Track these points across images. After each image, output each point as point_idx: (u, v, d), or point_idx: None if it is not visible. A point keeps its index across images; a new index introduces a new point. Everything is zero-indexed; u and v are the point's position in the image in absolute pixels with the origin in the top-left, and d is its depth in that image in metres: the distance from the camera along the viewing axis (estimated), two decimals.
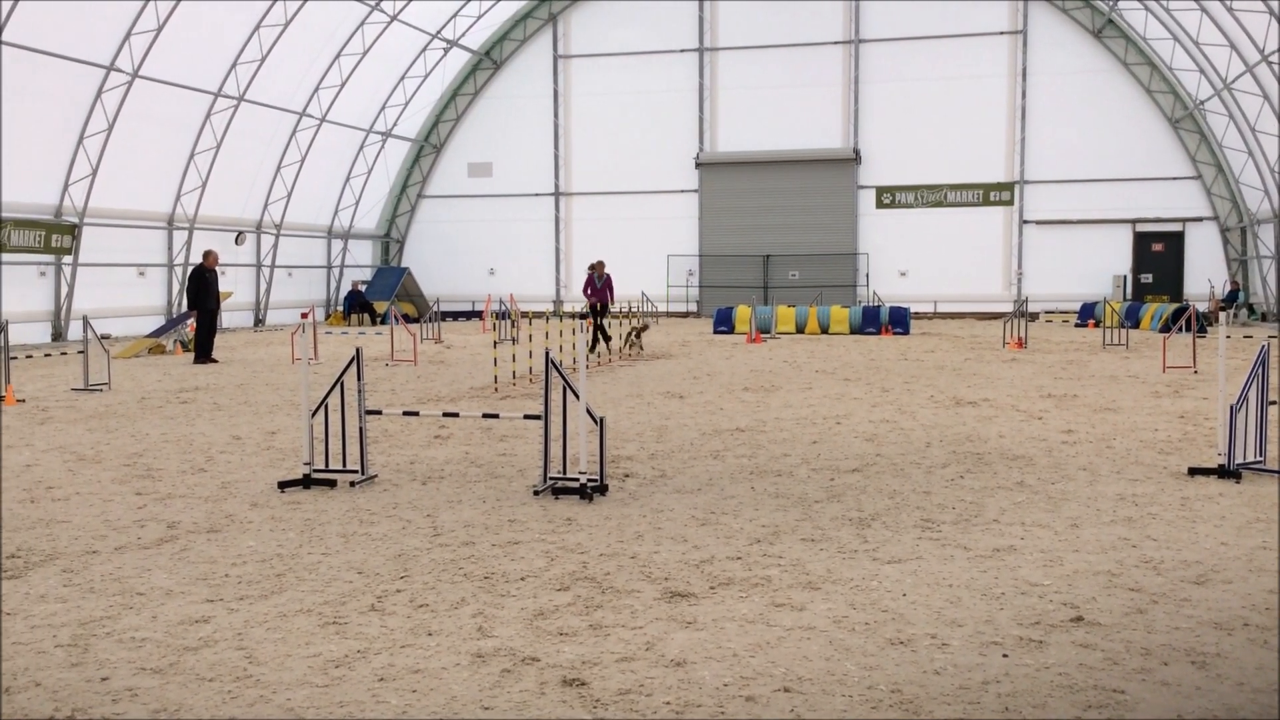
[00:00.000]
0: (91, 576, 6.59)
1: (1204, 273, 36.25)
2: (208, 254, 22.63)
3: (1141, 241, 37.02)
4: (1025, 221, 37.70)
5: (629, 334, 23.21)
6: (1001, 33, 37.29)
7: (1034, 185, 37.52)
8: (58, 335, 27.71)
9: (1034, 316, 34.76)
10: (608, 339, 23.24)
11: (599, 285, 23.77)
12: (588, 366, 9.02)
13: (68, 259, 27.61)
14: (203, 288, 21.77)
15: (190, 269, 24.14)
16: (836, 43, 38.38)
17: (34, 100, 25.53)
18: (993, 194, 37.74)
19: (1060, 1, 36.64)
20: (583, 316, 14.27)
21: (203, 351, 21.62)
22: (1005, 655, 5.14)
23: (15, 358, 16.83)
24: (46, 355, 20.01)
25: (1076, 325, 32.65)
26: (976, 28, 37.37)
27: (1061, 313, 35.98)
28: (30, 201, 26.53)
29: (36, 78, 25.16)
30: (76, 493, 9.08)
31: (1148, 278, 36.93)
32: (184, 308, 30.31)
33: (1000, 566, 6.63)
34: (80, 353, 18.34)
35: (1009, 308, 34.97)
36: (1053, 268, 37.34)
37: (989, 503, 8.40)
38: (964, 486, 9.03)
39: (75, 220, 27.52)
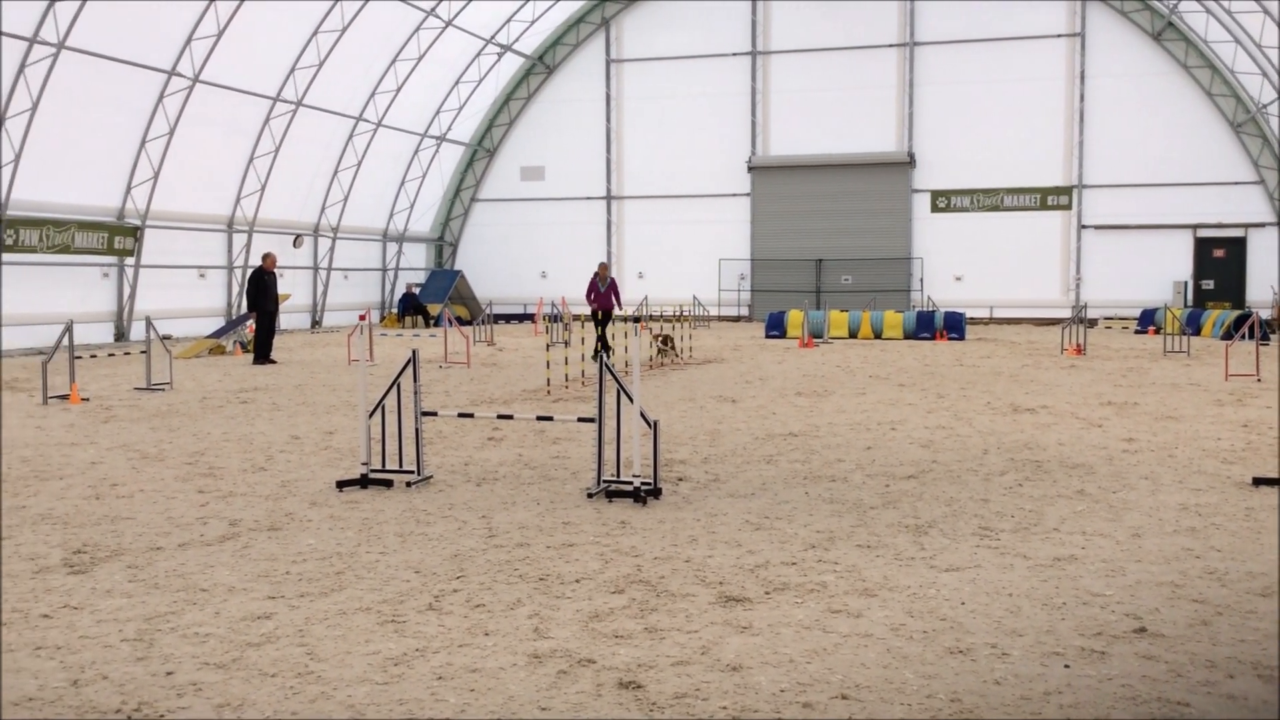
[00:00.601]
0: (156, 572, 6.71)
1: (1267, 279, 35.51)
2: (266, 256, 22.95)
3: (1202, 247, 36.37)
4: (1083, 226, 37.19)
5: (656, 343, 21.64)
6: (1059, 35, 36.83)
7: (1092, 189, 37.00)
8: (120, 335, 28.22)
9: (1092, 322, 34.28)
10: (609, 349, 21.99)
11: (602, 290, 22.47)
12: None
13: (130, 261, 28.11)
14: (261, 290, 22.10)
15: (250, 271, 24.46)
16: (891, 45, 38.12)
17: (98, 105, 26.03)
18: (1050, 198, 37.27)
19: (1119, 4, 36.13)
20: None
21: (262, 352, 21.92)
22: (1067, 666, 5.08)
23: (80, 357, 17.17)
24: (110, 355, 20.41)
25: (1136, 332, 32.15)
26: (1033, 30, 36.93)
27: (1120, 319, 35.45)
28: (94, 204, 27.06)
29: (100, 83, 25.65)
30: (140, 490, 9.25)
31: (1209, 284, 36.27)
32: (243, 309, 30.82)
33: (1061, 576, 6.55)
34: (143, 353, 18.67)
35: (1067, 313, 34.51)
36: (1111, 273, 36.78)
37: (1049, 511, 8.30)
38: (1023, 494, 8.93)
39: (138, 223, 28.02)
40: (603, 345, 21.86)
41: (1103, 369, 20.05)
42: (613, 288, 22.62)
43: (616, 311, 22.98)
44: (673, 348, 21.54)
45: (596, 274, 22.76)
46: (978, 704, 4.63)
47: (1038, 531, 7.65)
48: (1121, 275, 36.55)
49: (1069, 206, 37.16)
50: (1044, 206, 37.34)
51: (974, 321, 36.00)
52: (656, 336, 21.68)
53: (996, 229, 37.66)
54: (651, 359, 20.91)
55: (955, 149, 37.77)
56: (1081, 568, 6.72)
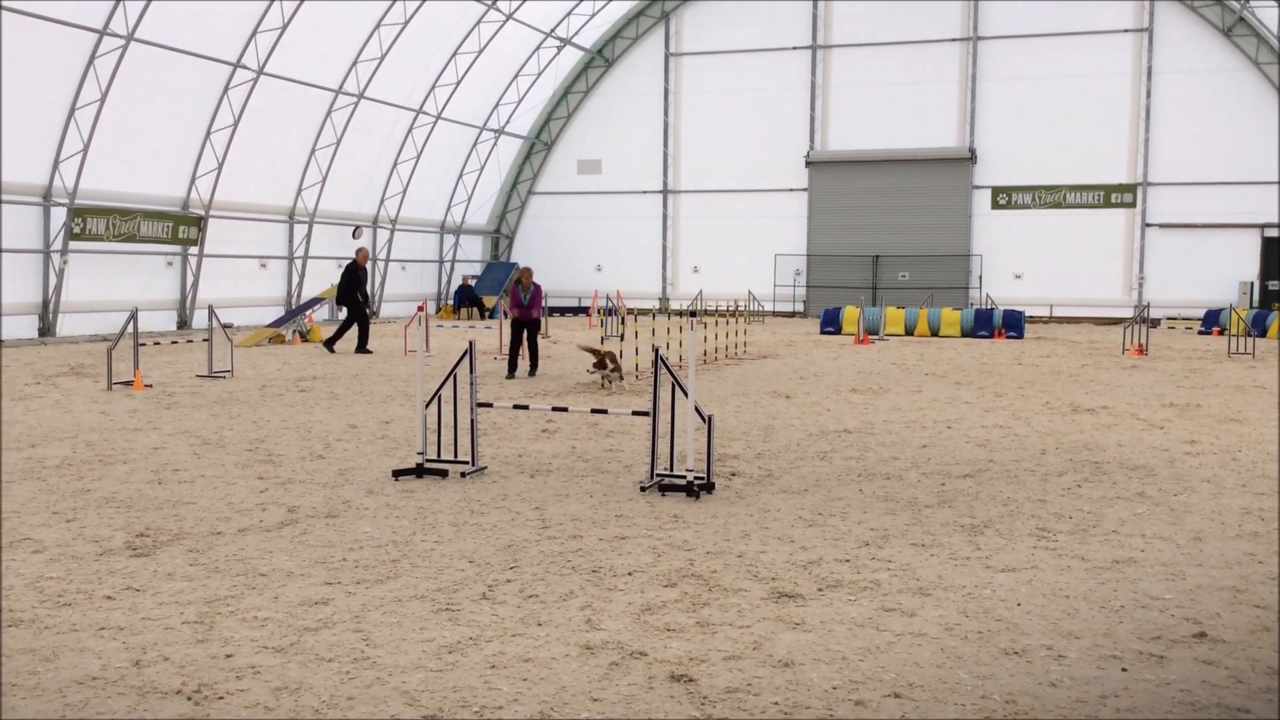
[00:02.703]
0: (216, 557, 6.83)
1: None
2: (360, 251, 23.42)
3: (1270, 247, 35.56)
4: (1148, 224, 36.53)
5: (592, 360, 16.79)
6: (1126, 30, 36.19)
7: (1157, 187, 36.34)
8: (183, 323, 28.72)
9: (1155, 322, 33.69)
10: (535, 363, 18.18)
11: (525, 301, 17.91)
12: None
13: (194, 250, 28.59)
14: (355, 282, 22.52)
15: (345, 264, 24.77)
16: (954, 40, 37.69)
17: (164, 96, 26.49)
18: (1114, 195, 36.66)
19: (1189, 1, 35.42)
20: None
21: (361, 343, 22.33)
22: (1124, 669, 5.01)
23: (144, 344, 17.50)
24: (173, 342, 20.80)
25: (1200, 332, 31.54)
26: (1100, 25, 36.32)
27: (1184, 319, 34.79)
28: (160, 194, 27.55)
29: (167, 75, 26.10)
30: (201, 475, 9.41)
31: (1276, 284, 35.48)
32: (303, 299, 31.25)
33: (1120, 579, 6.45)
34: (205, 340, 18.99)
35: (1129, 313, 33.93)
36: (1176, 272, 36.10)
37: (1108, 513, 8.18)
38: (1081, 496, 8.81)
39: (201, 213, 28.49)
40: (530, 357, 18.16)
41: (1165, 370, 19.71)
42: (537, 297, 18.18)
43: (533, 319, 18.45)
44: (615, 368, 16.38)
45: (519, 281, 18.17)
46: (1033, 706, 4.58)
47: (1096, 533, 7.55)
48: (1186, 275, 35.87)
49: (1133, 204, 36.53)
50: (1107, 204, 36.74)
51: (1033, 320, 35.52)
52: (590, 351, 16.95)
53: (1058, 226, 37.12)
54: (600, 381, 16.34)
55: (1017, 145, 37.27)
56: (1141, 571, 6.62)
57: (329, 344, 22.43)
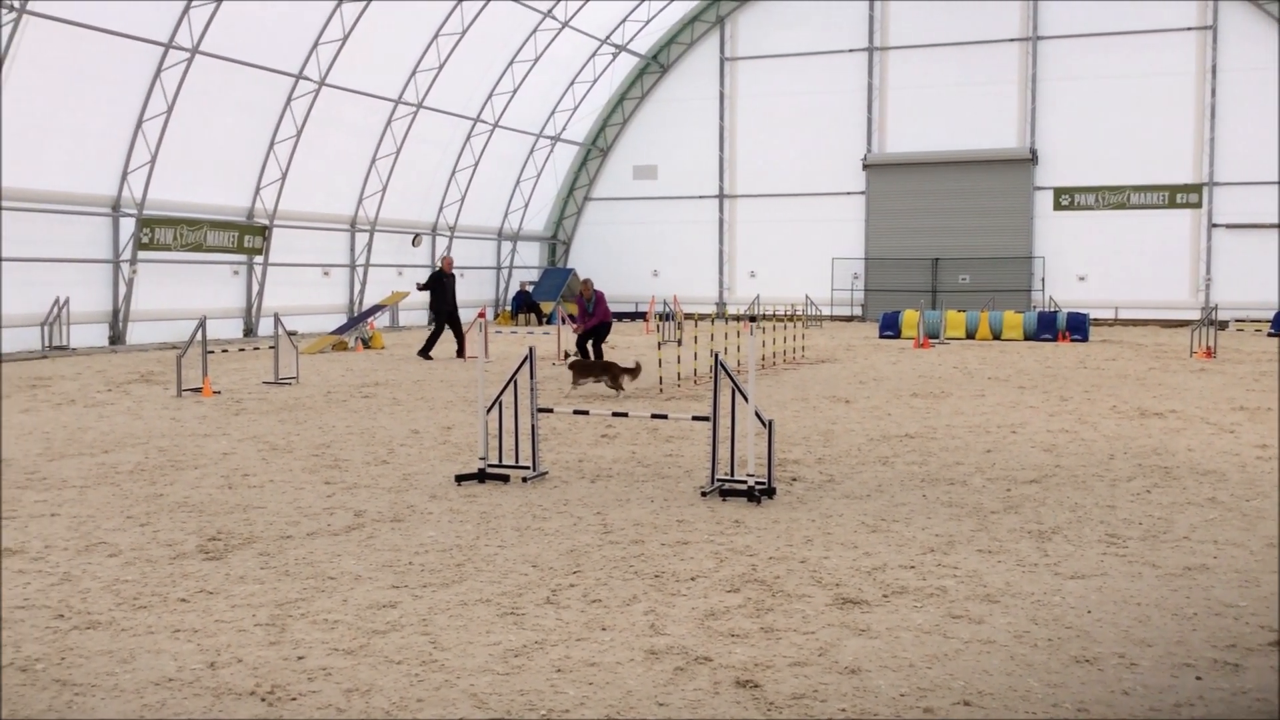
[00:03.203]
0: (286, 560, 6.94)
1: None
2: (445, 259, 23.78)
3: None
4: (1214, 225, 35.83)
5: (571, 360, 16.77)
6: (1189, 28, 35.55)
7: (1224, 187, 35.63)
8: (249, 331, 29.20)
9: (1223, 325, 33.03)
10: (619, 381, 16.28)
11: (590, 311, 18.53)
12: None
13: (259, 259, 29.06)
14: (439, 291, 22.87)
15: (430, 273, 25.14)
16: (1013, 40, 37.27)
17: (229, 108, 26.97)
18: (1179, 196, 36.01)
19: None
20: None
21: (425, 348, 22.76)
22: (1199, 678, 4.92)
23: (212, 352, 17.83)
24: (240, 350, 21.16)
25: (1270, 334, 30.87)
26: (1162, 24, 35.71)
27: (1253, 321, 34.06)
28: (225, 204, 28.05)
29: (231, 87, 26.57)
30: (270, 480, 9.57)
31: None
32: (364, 306, 31.64)
33: (1192, 586, 6.34)
34: (271, 348, 19.29)
35: (1196, 315, 33.31)
36: (1244, 274, 35.34)
37: (1179, 519, 8.04)
38: (1151, 501, 8.67)
39: (266, 222, 28.96)
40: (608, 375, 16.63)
41: (1234, 373, 19.31)
42: (600, 305, 18.56)
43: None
44: (615, 377, 15.86)
45: (580, 294, 18.93)
46: (1105, 714, 4.52)
47: (1167, 539, 7.42)
48: (1254, 275, 35.12)
49: (1199, 204, 35.86)
50: (1172, 204, 36.10)
51: (1098, 323, 34.99)
52: (584, 367, 16.31)
53: (1122, 227, 36.54)
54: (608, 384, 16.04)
55: (1079, 146, 36.75)
56: (1214, 578, 6.50)
57: (423, 352, 22.81)
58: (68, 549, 7.21)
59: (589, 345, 19.02)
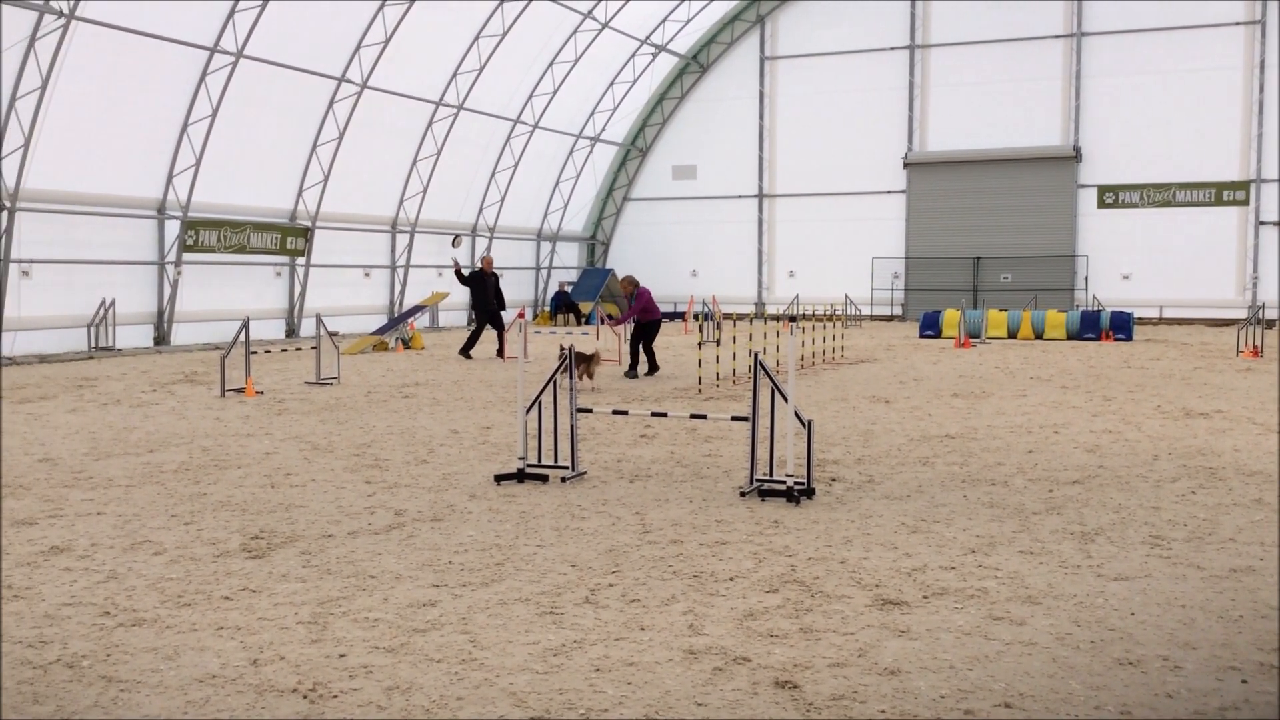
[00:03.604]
0: (328, 559, 7.00)
1: None
2: (485, 258, 23.92)
3: None
4: (1262, 222, 35.26)
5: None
6: (1237, 23, 35.00)
7: (1271, 184, 35.04)
8: (291, 332, 29.49)
9: (1270, 323, 32.51)
10: (651, 363, 18.94)
11: (631, 303, 19.13)
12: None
13: (301, 260, 29.35)
14: (481, 290, 23.02)
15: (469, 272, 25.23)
16: (1057, 36, 36.88)
17: (272, 111, 27.25)
18: (1226, 193, 35.47)
19: None
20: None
21: (466, 347, 23.00)
22: (1244, 681, 4.86)
23: (255, 352, 18.02)
24: (283, 350, 21.37)
25: None
26: (1209, 19, 35.19)
27: None
28: (268, 206, 28.35)
29: (274, 90, 26.85)
30: (312, 480, 9.66)
31: None
32: (404, 307, 31.85)
33: (1238, 588, 6.25)
34: (313, 348, 19.47)
35: (1242, 314, 32.79)
36: None
37: (1224, 520, 7.93)
38: (1196, 502, 8.55)
39: (308, 224, 29.23)
40: (648, 359, 18.92)
41: None
42: (642, 300, 18.91)
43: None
44: (587, 367, 16.67)
45: (626, 294, 19.32)
46: (1148, 717, 4.47)
47: (1212, 541, 7.32)
48: None
49: (1246, 202, 35.30)
50: (1219, 202, 35.56)
51: (1142, 322, 34.56)
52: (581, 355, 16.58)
53: (1167, 225, 36.05)
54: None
55: (1124, 143, 36.30)
56: (1260, 580, 6.41)
57: (463, 351, 22.97)
58: (114, 547, 7.32)
59: (639, 347, 18.99)
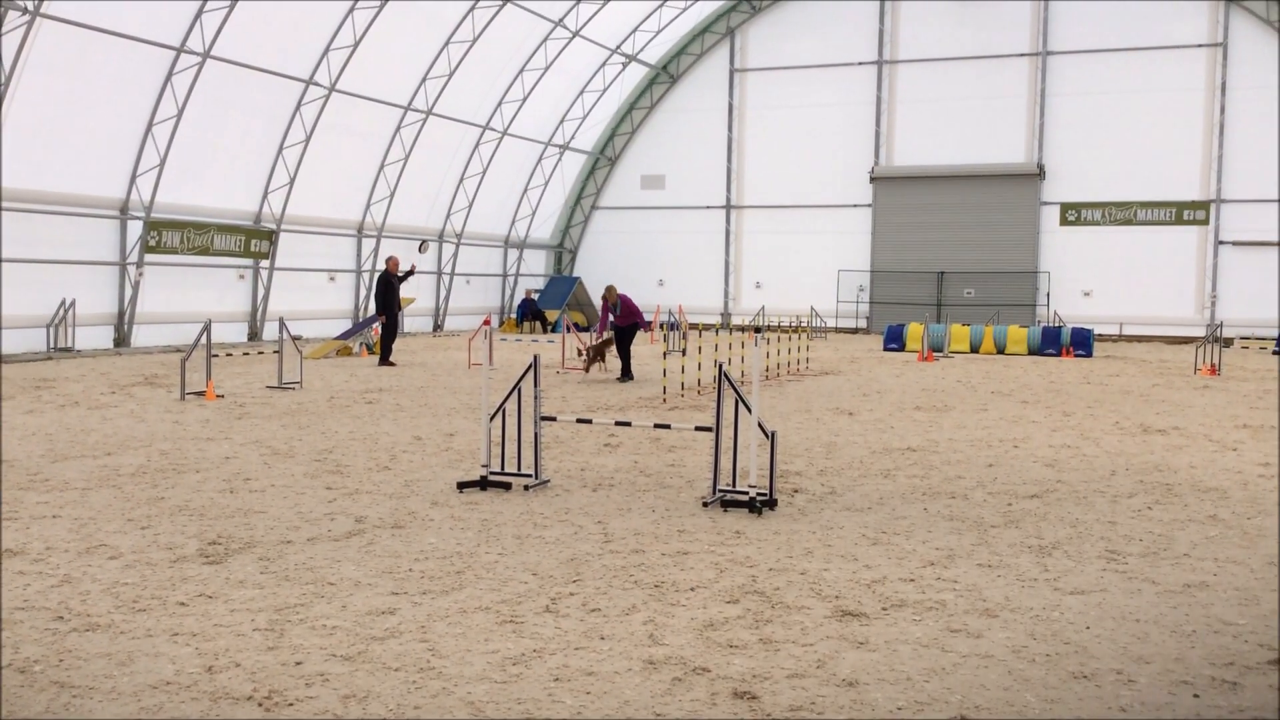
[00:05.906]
0: (286, 565, 6.95)
1: None
2: (389, 259, 23.63)
3: None
4: (1221, 242, 35.79)
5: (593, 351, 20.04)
6: (1199, 45, 35.55)
7: (1231, 204, 35.60)
8: (253, 335, 29.24)
9: (1228, 342, 32.98)
10: (625, 369, 19.85)
11: (616, 314, 19.85)
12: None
13: (265, 263, 29.13)
14: (389, 292, 22.76)
15: (378, 274, 25.07)
16: (1023, 55, 37.30)
17: (238, 112, 27.06)
18: (1186, 212, 35.98)
19: (1266, 15, 34.71)
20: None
21: (384, 354, 22.53)
22: (1196, 695, 4.92)
23: (216, 355, 17.87)
24: (244, 354, 21.19)
25: (1274, 352, 30.80)
26: (1172, 40, 35.72)
27: (1258, 339, 34.00)
28: (232, 208, 28.12)
29: (240, 91, 26.65)
30: (272, 485, 9.58)
31: None
32: (370, 312, 31.66)
33: (1192, 603, 6.33)
34: (275, 352, 19.33)
35: (1201, 332, 33.25)
36: (1249, 291, 35.26)
37: (1179, 536, 8.03)
38: (1152, 518, 8.66)
39: (273, 227, 29.02)
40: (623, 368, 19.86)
41: (1238, 390, 19.28)
42: (627, 307, 19.90)
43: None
44: (599, 355, 20.02)
45: (605, 299, 20.01)
46: None
47: (1167, 556, 7.42)
48: (1260, 293, 35.06)
49: (1206, 221, 35.83)
50: (1179, 221, 36.07)
51: (1102, 338, 34.97)
52: (591, 349, 20.12)
53: (1128, 243, 36.52)
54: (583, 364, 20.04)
55: (1087, 161, 36.75)
56: (1213, 595, 6.49)
57: (383, 360, 22.58)
58: (68, 551, 7.23)
59: (623, 350, 19.93)
